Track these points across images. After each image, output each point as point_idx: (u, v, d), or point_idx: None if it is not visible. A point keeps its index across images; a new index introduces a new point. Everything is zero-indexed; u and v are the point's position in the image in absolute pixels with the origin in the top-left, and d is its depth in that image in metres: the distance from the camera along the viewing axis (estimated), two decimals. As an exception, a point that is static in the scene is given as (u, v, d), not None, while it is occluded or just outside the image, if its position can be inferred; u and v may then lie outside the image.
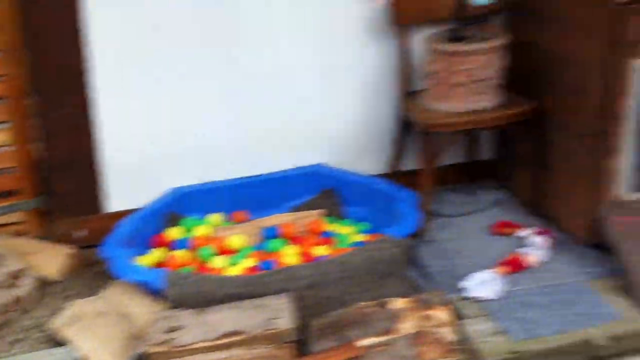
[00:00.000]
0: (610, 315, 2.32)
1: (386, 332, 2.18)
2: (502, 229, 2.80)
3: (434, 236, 2.80)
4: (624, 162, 2.48)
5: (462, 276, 2.51)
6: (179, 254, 2.59)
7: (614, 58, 2.35)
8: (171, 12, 2.73)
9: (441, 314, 2.25)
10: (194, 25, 2.76)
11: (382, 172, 3.10)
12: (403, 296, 2.32)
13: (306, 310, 2.20)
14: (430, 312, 2.26)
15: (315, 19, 2.86)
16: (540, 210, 2.89)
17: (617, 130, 2.43)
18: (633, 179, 2.53)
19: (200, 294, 2.18)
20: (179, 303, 2.20)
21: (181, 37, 2.76)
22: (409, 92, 2.91)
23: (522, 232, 2.75)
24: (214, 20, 2.78)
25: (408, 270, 2.52)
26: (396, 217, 2.65)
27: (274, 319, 2.09)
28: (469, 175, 3.21)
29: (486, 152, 3.22)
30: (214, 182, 2.91)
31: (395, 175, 3.07)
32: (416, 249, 2.70)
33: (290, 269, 2.23)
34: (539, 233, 2.72)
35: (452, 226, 2.89)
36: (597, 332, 2.25)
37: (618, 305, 2.36)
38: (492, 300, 2.41)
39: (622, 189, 2.53)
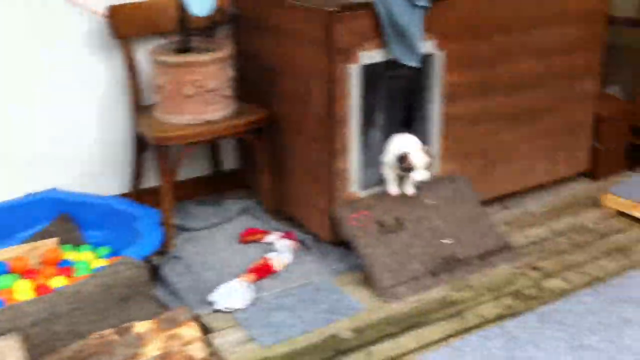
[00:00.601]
0: (353, 309, 2.41)
1: (131, 358, 2.07)
2: (250, 237, 2.81)
3: (181, 252, 2.73)
4: (351, 162, 2.60)
5: (211, 289, 2.48)
6: None
7: (330, 64, 2.45)
8: None
9: (189, 331, 2.19)
10: None
11: (123, 191, 2.98)
12: (149, 318, 2.23)
13: (36, 349, 2.01)
14: (178, 331, 2.19)
15: (35, 35, 2.66)
16: (286, 213, 2.96)
17: (341, 132, 2.54)
18: (362, 176, 2.67)
19: None
20: None
21: None
22: (141, 107, 2.82)
23: (269, 238, 2.79)
24: None
25: (153, 290, 2.43)
26: (137, 237, 2.54)
27: (-3, 364, 1.89)
28: (215, 187, 3.20)
29: (231, 162, 3.23)
30: None
31: (138, 194, 2.97)
32: (161, 267, 2.62)
33: (13, 306, 2.03)
34: (285, 237, 2.77)
35: (200, 239, 2.84)
36: (342, 326, 2.33)
37: (361, 297, 2.47)
38: (240, 309, 2.40)
39: (353, 187, 2.65)
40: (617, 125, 3.23)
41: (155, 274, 2.59)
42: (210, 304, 2.43)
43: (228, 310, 2.40)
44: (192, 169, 3.12)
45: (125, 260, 2.26)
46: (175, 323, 2.21)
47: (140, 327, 2.18)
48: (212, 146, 3.13)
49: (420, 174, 2.57)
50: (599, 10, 2.96)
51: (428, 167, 2.58)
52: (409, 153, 2.56)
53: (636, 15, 3.33)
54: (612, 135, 3.23)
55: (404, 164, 2.56)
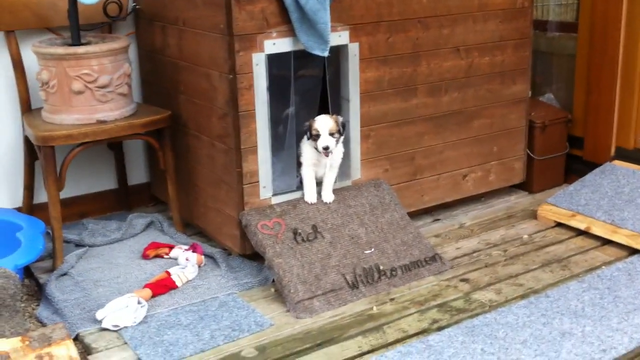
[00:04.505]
0: (259, 325, 2.14)
1: (-10, 380, 1.77)
2: (153, 252, 2.53)
3: (72, 268, 2.44)
4: (261, 162, 2.35)
5: (101, 306, 2.18)
6: None
7: (231, 52, 2.22)
8: None
9: (63, 350, 1.90)
10: None
11: (17, 206, 2.69)
12: (17, 335, 1.93)
13: None
14: (50, 350, 1.90)
15: None
16: (196, 227, 2.70)
17: (248, 128, 2.29)
18: (275, 180, 2.42)
19: None
20: None
21: None
22: (31, 109, 2.56)
23: (174, 252, 2.51)
24: None
25: (27, 305, 2.13)
26: (15, 248, 2.25)
27: None
28: (124, 202, 2.93)
29: (141, 175, 2.98)
30: None
31: (31, 208, 2.67)
32: (47, 285, 2.31)
33: None
34: (190, 250, 2.49)
35: (97, 256, 2.56)
36: (244, 345, 2.05)
37: (269, 313, 2.20)
38: (130, 327, 2.11)
39: (264, 192, 2.39)
40: (554, 134, 3.04)
41: (39, 292, 2.30)
42: (98, 322, 2.13)
43: (115, 329, 2.11)
44: (96, 182, 2.86)
45: (-10, 270, 1.97)
46: (47, 341, 1.92)
47: (6, 344, 1.88)
48: (117, 158, 2.86)
49: (325, 140, 2.34)
50: (522, 5, 2.78)
51: (335, 134, 2.36)
52: (314, 120, 2.37)
53: (572, 19, 3.16)
54: (549, 145, 3.04)
55: (310, 132, 2.37)
